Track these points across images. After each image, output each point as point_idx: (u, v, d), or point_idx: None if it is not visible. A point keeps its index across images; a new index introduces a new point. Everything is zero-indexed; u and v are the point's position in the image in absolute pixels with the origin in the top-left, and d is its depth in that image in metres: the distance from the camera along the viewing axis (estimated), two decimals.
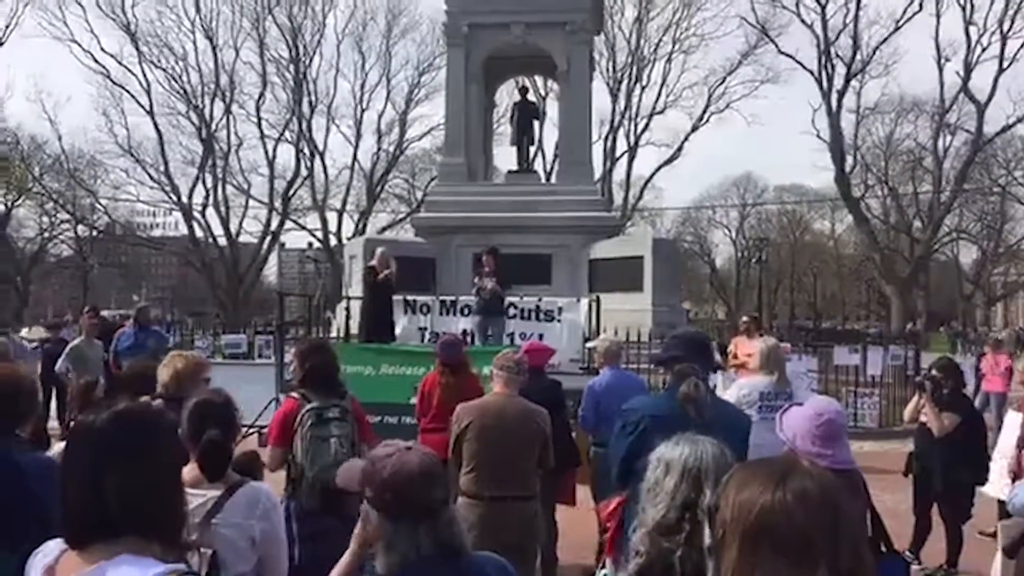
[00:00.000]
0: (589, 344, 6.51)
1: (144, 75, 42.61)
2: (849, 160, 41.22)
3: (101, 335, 10.50)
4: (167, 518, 1.74)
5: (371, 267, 11.52)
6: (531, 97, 23.13)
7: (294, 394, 4.45)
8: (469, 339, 11.86)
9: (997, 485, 6.03)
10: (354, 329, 12.26)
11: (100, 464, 1.69)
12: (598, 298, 11.99)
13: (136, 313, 10.42)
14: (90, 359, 9.62)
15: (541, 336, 11.10)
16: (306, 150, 44.91)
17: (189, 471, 2.99)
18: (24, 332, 13.20)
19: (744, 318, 12.30)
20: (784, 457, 1.59)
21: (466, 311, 12.36)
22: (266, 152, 44.81)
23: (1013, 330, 27.19)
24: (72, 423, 5.22)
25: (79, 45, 42.81)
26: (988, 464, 6.18)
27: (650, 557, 2.11)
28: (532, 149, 22.25)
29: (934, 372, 6.68)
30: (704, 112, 45.08)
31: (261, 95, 43.90)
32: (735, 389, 5.95)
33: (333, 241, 45.48)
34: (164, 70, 43.10)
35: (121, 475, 1.67)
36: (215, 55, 43.12)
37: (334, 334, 13.33)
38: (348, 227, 46.18)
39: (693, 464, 2.18)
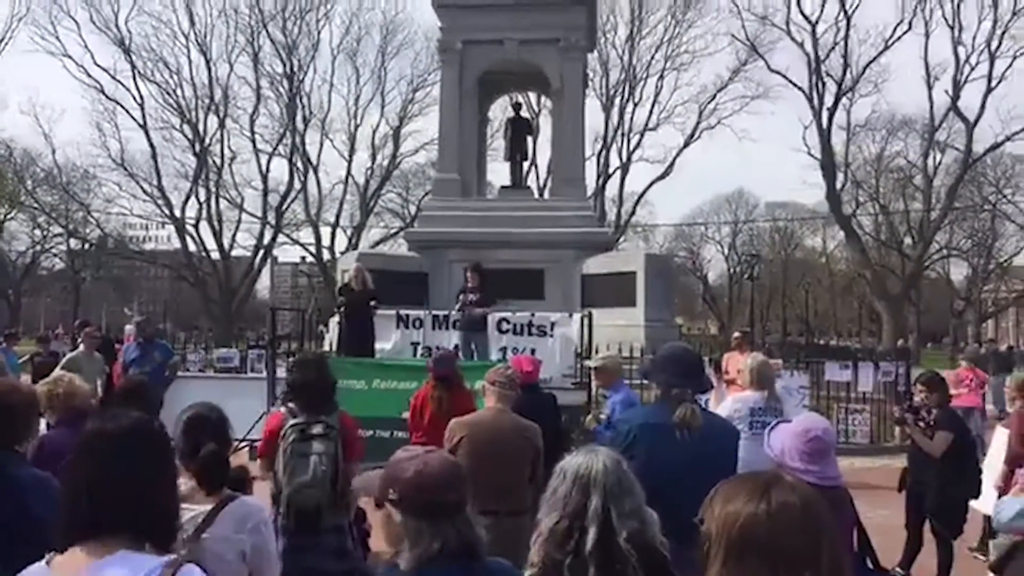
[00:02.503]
0: (592, 363, 6.43)
1: (138, 89, 42.77)
2: (840, 177, 41.47)
3: (100, 349, 10.57)
4: (163, 521, 1.86)
5: (346, 284, 11.55)
6: (524, 113, 23.23)
7: (282, 408, 4.45)
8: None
9: (988, 500, 6.06)
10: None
11: (102, 467, 1.83)
12: (591, 313, 12.00)
13: (136, 327, 10.54)
14: (86, 372, 9.60)
15: (533, 351, 11.11)
16: (300, 164, 44.96)
17: (181, 485, 3.00)
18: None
19: (736, 334, 12.36)
20: (767, 472, 1.62)
21: (457, 326, 12.39)
22: (259, 166, 44.90)
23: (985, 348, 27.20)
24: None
25: (72, 60, 42.96)
26: (980, 478, 6.20)
27: (544, 568, 2.17)
28: (525, 165, 22.32)
29: (915, 389, 6.69)
30: (695, 128, 45.39)
31: (255, 109, 44.06)
32: (727, 405, 5.97)
33: (326, 255, 45.50)
34: (158, 84, 43.24)
35: (121, 478, 1.81)
36: (209, 69, 43.28)
37: (327, 348, 13.32)
38: (341, 241, 46.26)
39: (584, 472, 2.27)
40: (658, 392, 3.70)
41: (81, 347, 10.38)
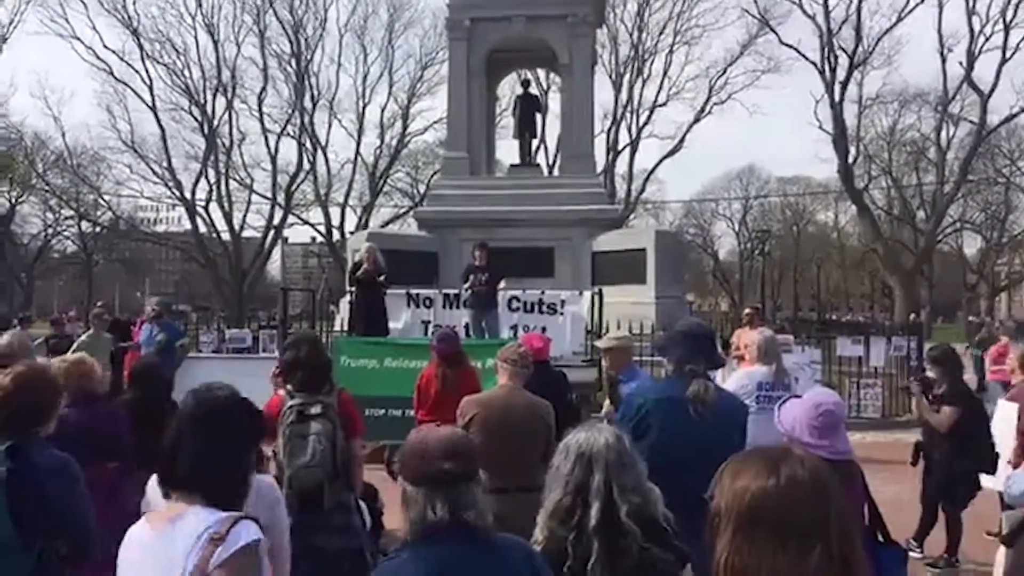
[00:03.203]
0: (601, 344, 6.39)
1: (146, 71, 42.67)
2: (852, 151, 41.11)
3: (112, 330, 10.68)
4: (231, 485, 2.18)
5: (358, 263, 11.56)
6: (533, 90, 23.11)
7: (280, 390, 4.46)
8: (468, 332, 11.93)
9: (1000, 477, 6.05)
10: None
11: (180, 436, 2.19)
12: (601, 291, 12.02)
13: (147, 309, 10.78)
14: (95, 353, 9.66)
15: (544, 329, 11.14)
16: (308, 144, 44.90)
17: None
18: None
19: (747, 310, 12.34)
20: (777, 447, 1.63)
21: (467, 304, 12.42)
22: (268, 147, 44.84)
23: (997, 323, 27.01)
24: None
25: (81, 42, 42.94)
26: (990, 453, 6.16)
27: (547, 545, 2.18)
28: (535, 142, 22.26)
29: (926, 364, 6.67)
30: (706, 103, 45.03)
31: (263, 90, 43.90)
32: (733, 380, 5.97)
33: (336, 235, 45.52)
34: (166, 66, 43.13)
35: (195, 446, 2.16)
36: (217, 50, 43.13)
37: (337, 328, 13.38)
38: (351, 221, 46.22)
39: (586, 448, 2.29)
40: (671, 368, 3.69)
41: (91, 329, 10.48)
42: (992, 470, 6.11)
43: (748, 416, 3.73)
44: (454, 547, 2.05)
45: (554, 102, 29.71)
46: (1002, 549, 4.77)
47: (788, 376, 5.97)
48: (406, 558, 2.09)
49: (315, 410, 4.18)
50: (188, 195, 43.73)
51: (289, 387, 4.34)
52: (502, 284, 11.94)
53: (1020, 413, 6.02)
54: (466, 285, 11.77)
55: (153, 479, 2.98)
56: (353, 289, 11.63)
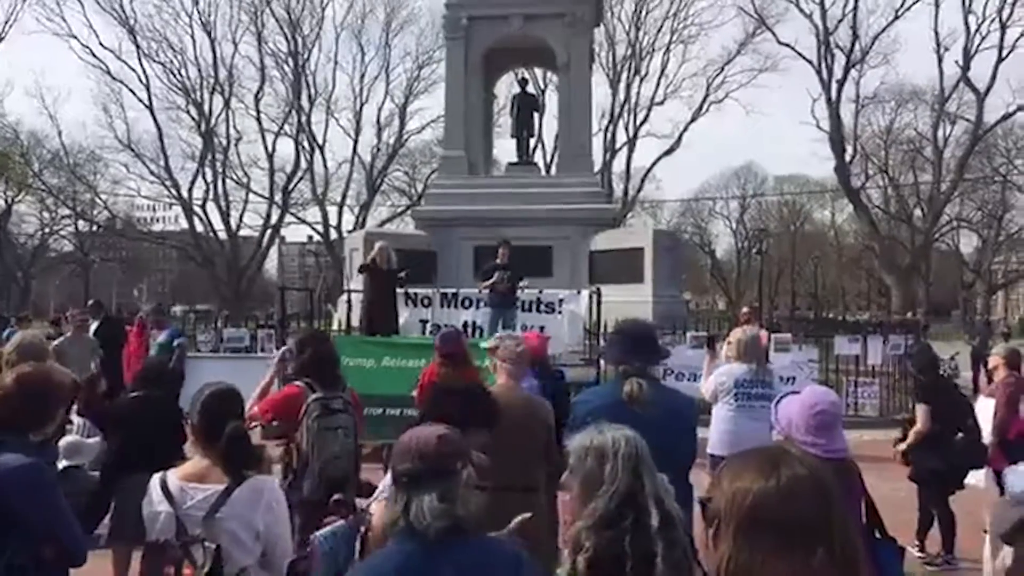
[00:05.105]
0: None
1: (143, 69, 42.64)
2: (849, 150, 41.18)
3: (104, 327, 10.59)
4: None
5: (372, 260, 11.53)
6: (531, 89, 23.09)
7: (298, 382, 4.49)
8: (471, 331, 11.90)
9: (982, 473, 6.13)
10: (355, 322, 12.28)
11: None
12: (599, 290, 12.03)
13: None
14: (71, 356, 8.95)
15: (542, 328, 11.14)
16: (306, 143, 44.88)
17: (195, 464, 3.03)
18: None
19: (744, 309, 12.37)
20: (775, 446, 1.63)
21: (467, 303, 12.38)
22: (265, 146, 44.82)
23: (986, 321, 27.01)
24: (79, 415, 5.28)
25: (78, 40, 42.87)
26: (975, 449, 6.20)
27: (597, 551, 2.14)
28: (532, 141, 22.23)
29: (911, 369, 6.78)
30: (703, 102, 45.04)
31: (260, 89, 43.89)
32: (713, 377, 6.00)
33: (333, 234, 45.49)
34: (163, 64, 43.14)
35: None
36: (213, 49, 43.11)
37: (335, 327, 13.37)
38: (348, 220, 46.24)
39: (626, 451, 2.22)
40: (612, 370, 3.69)
41: (70, 332, 10.29)
42: (979, 465, 6.16)
43: (694, 410, 3.76)
44: (405, 547, 2.09)
45: (551, 101, 29.70)
46: (1006, 548, 4.77)
47: (770, 374, 5.98)
48: (376, 555, 2.18)
49: (338, 405, 4.33)
50: (185, 194, 43.70)
51: (307, 380, 4.40)
52: (525, 282, 11.93)
53: (996, 410, 6.10)
54: (488, 283, 11.66)
55: (155, 478, 2.99)
56: (364, 287, 11.57)
